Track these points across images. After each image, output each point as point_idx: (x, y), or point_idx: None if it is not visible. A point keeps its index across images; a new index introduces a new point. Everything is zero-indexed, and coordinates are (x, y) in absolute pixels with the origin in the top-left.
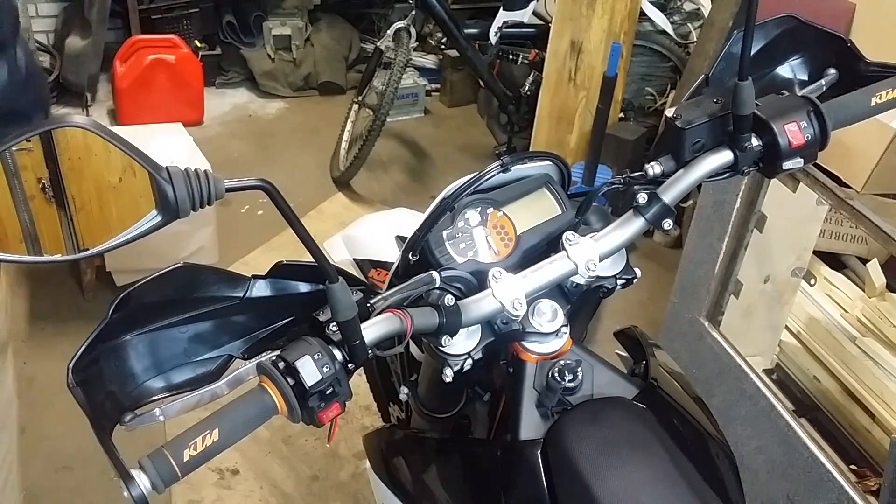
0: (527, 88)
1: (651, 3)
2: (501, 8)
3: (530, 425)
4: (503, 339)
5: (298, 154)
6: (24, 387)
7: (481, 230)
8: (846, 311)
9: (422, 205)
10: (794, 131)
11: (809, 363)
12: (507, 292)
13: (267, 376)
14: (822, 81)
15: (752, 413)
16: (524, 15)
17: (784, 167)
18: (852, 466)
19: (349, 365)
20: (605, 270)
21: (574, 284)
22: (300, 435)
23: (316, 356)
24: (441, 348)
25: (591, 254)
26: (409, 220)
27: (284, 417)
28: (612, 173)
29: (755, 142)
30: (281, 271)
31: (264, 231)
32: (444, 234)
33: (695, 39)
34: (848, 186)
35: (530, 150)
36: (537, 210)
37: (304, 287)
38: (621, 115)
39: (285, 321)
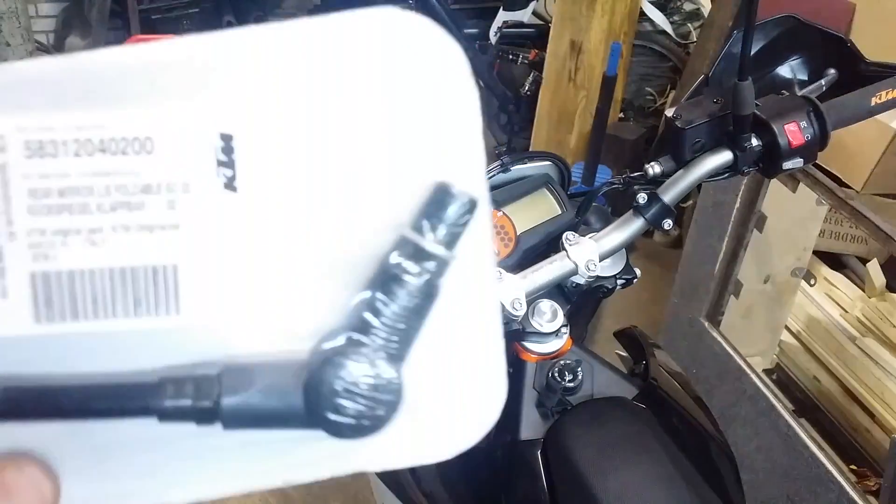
0: (527, 88)
1: (651, 3)
2: (501, 8)
3: (530, 425)
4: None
5: None
6: None
7: None
8: (846, 311)
9: None
10: (793, 131)
11: (809, 363)
12: (507, 292)
13: None
14: (822, 81)
15: (752, 413)
16: (524, 15)
17: (784, 167)
18: (852, 466)
19: None
20: (605, 270)
21: (574, 284)
22: None
23: None
24: None
25: (591, 254)
26: None
27: None
28: (611, 173)
29: (755, 142)
30: None
31: None
32: None
33: (695, 39)
34: (848, 186)
35: (530, 150)
36: (537, 210)
37: None
38: (621, 115)
39: None
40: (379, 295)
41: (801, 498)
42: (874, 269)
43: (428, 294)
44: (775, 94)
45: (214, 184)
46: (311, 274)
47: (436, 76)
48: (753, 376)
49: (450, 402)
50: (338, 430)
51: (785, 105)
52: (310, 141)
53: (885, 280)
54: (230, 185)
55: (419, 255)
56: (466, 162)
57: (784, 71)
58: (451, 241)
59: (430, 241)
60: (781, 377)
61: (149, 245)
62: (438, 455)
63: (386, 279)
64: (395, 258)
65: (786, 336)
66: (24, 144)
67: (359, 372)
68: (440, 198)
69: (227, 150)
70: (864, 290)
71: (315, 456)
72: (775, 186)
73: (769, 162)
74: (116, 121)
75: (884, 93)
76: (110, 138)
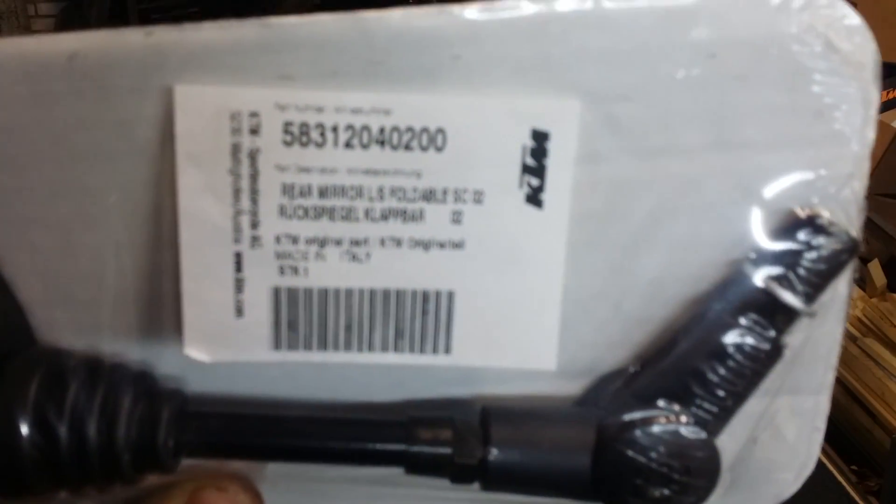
0: None
1: None
2: None
3: None
4: None
5: None
6: None
7: None
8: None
9: None
10: None
11: None
12: None
13: None
14: None
15: None
16: None
17: None
18: (853, 466)
19: None
20: None
21: None
22: None
23: None
24: None
25: None
26: None
27: None
28: None
29: None
30: None
31: None
32: None
33: None
34: None
35: None
36: None
37: None
38: None
39: None
40: (710, 358)
41: (801, 498)
42: (875, 269)
43: (770, 357)
44: None
45: (515, 196)
46: (599, 308)
47: (840, 76)
48: None
49: (758, 475)
50: None
51: None
52: (647, 152)
53: (885, 280)
54: (534, 198)
55: (769, 307)
56: (846, 189)
57: None
58: (812, 293)
59: (788, 291)
60: None
61: (422, 265)
62: None
63: (719, 335)
64: (735, 309)
65: None
66: (283, 127)
67: (673, 450)
68: (807, 234)
69: (539, 152)
70: (864, 290)
71: None
72: None
73: None
74: (407, 106)
75: (884, 93)
76: (393, 127)
